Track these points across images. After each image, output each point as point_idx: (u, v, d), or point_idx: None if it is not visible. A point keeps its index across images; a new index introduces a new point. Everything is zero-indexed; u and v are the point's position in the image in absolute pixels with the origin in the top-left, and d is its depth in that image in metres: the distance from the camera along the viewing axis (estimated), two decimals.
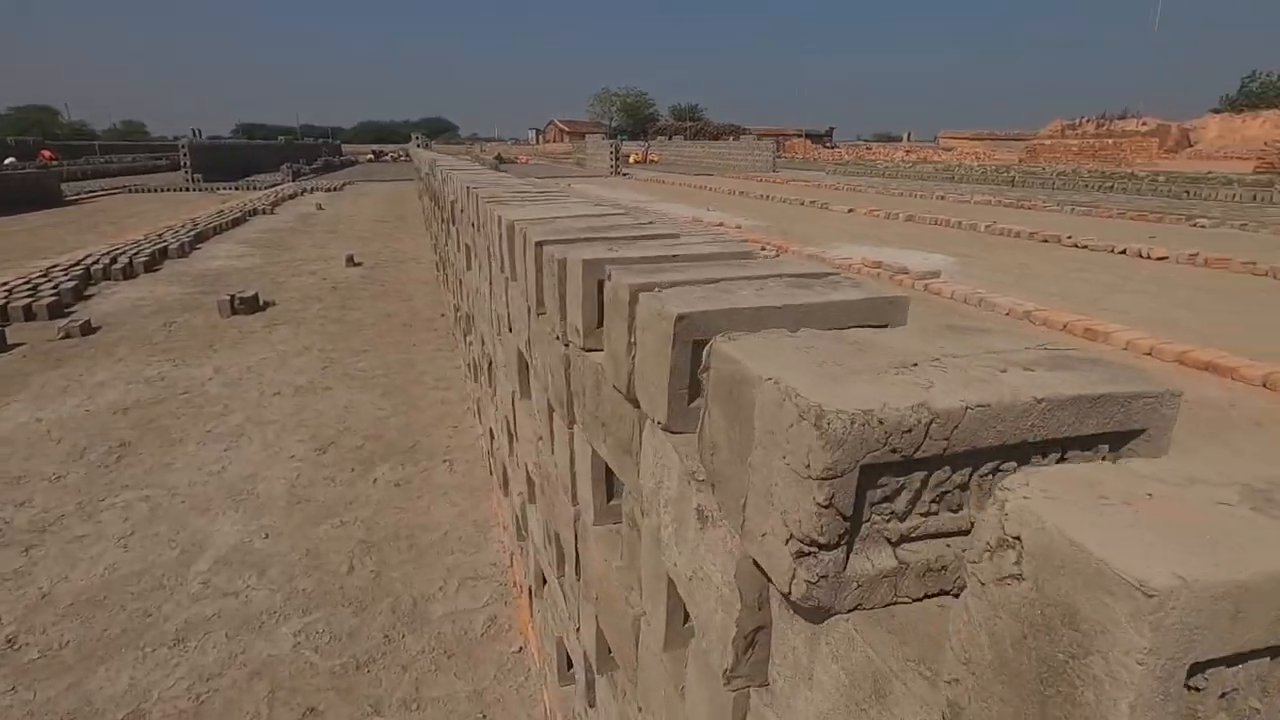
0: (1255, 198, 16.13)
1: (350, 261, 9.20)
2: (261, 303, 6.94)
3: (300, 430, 4.06)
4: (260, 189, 22.46)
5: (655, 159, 42.64)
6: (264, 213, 15.62)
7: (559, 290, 1.27)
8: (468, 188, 3.35)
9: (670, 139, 46.90)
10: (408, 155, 49.48)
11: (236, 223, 13.57)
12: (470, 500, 3.31)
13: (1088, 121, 42.54)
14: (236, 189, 22.84)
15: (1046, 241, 10.84)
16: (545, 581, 1.96)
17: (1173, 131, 36.49)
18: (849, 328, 0.80)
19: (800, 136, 54.39)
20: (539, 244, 1.44)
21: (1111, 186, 20.56)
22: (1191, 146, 34.80)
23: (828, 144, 60.72)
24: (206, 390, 4.70)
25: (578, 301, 1.18)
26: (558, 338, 1.33)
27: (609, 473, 1.27)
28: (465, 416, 4.27)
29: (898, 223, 13.57)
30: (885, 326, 0.86)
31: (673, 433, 0.87)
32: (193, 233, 11.25)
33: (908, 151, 40.08)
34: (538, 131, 79.51)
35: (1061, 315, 6.09)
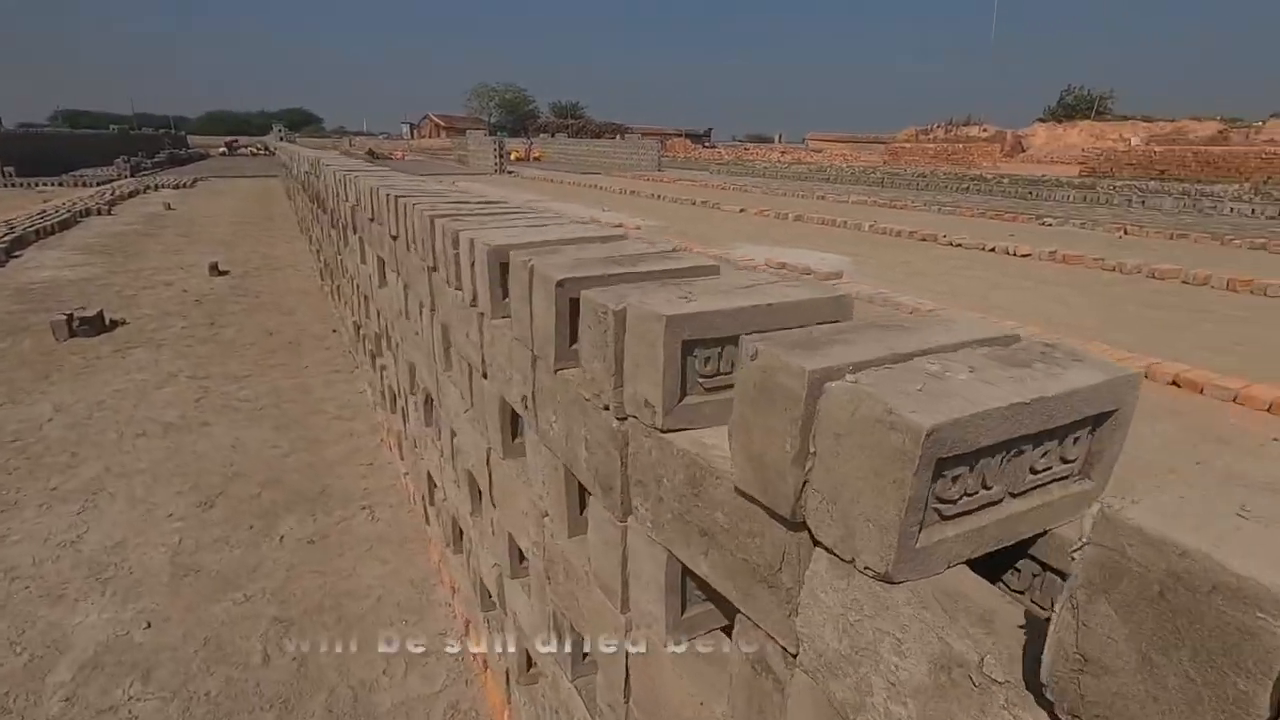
0: (1085, 199, 18.09)
1: (215, 270, 8.15)
2: (108, 322, 5.92)
3: (177, 480, 3.41)
4: (92, 185, 19.73)
5: (539, 157, 41.88)
6: (100, 213, 13.66)
7: (613, 350, 0.97)
8: (384, 192, 2.90)
9: (553, 136, 46.26)
10: (267, 149, 45.59)
11: (66, 225, 11.74)
12: (401, 554, 2.87)
13: (937, 127, 46.36)
14: (61, 185, 19.94)
15: (925, 240, 11.51)
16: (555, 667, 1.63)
17: (1008, 138, 40.52)
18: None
19: (681, 136, 55.42)
20: (561, 283, 1.12)
21: (966, 188, 22.40)
22: (1024, 151, 38.79)
23: (706, 144, 62.36)
24: (46, 435, 3.87)
25: (654, 371, 0.89)
26: (604, 407, 1.03)
27: (684, 580, 0.99)
28: (379, 450, 3.77)
29: (788, 222, 13.98)
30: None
31: (893, 583, 0.61)
32: (9, 237, 9.56)
33: (783, 153, 41.87)
34: (412, 126, 75.95)
35: (961, 312, 6.39)
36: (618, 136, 45.84)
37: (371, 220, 3.40)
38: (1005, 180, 23.61)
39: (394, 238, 2.80)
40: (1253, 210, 15.10)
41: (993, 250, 10.51)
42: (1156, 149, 22.16)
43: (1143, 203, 16.96)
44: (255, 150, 44.97)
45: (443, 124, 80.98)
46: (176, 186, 20.31)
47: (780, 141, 71.70)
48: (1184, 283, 8.40)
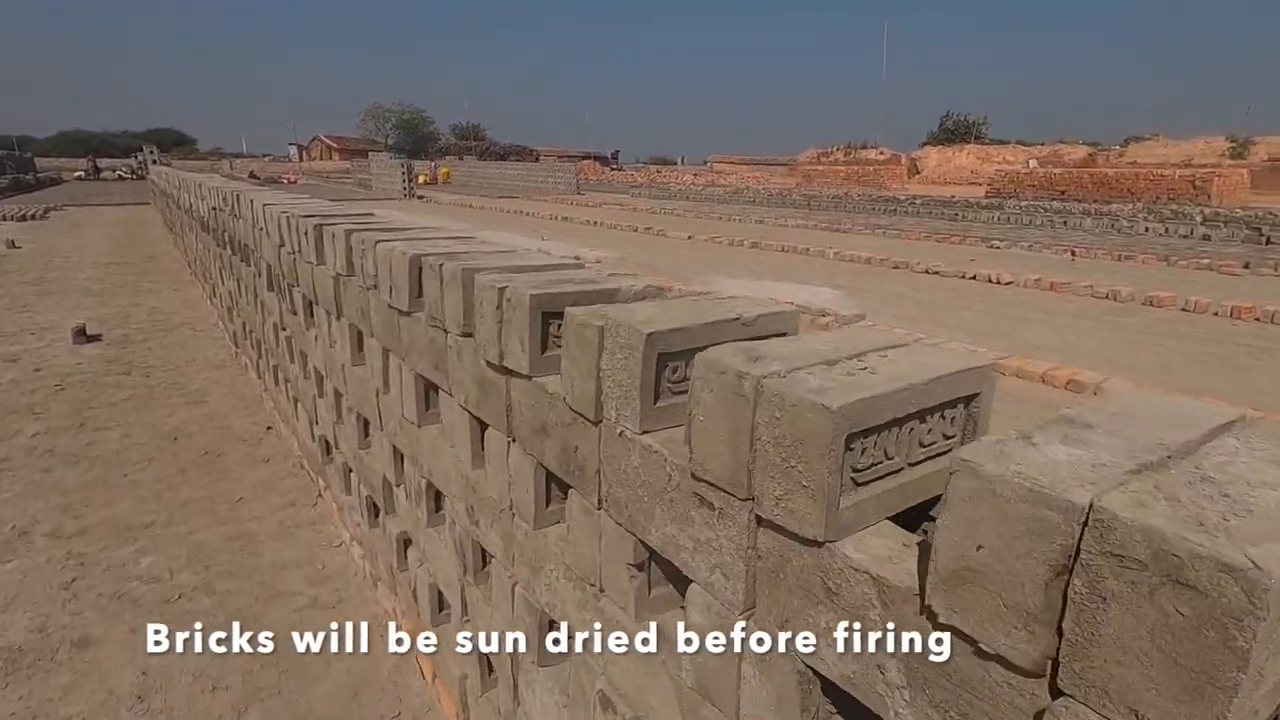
0: (1012, 219, 18.47)
1: (82, 334, 6.14)
2: None
3: None
4: None
5: (444, 174, 39.60)
6: None
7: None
8: (388, 245, 1.53)
9: (461, 159, 44.08)
10: (135, 173, 40.49)
11: None
12: None
13: (837, 150, 47.92)
14: None
15: (898, 268, 10.91)
16: None
17: (903, 160, 42.32)
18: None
19: (589, 159, 54.52)
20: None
21: (893, 210, 22.62)
22: (919, 173, 40.57)
23: (614, 166, 61.82)
24: None
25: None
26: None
27: None
28: (423, 691, 2.28)
29: (745, 249, 13.12)
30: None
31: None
32: None
33: (695, 175, 41.73)
34: (301, 148, 70.82)
35: (1027, 363, 5.54)
36: (535, 159, 44.32)
37: (373, 288, 2.00)
38: (918, 201, 24.12)
39: (404, 313, 1.43)
40: (1165, 229, 15.75)
41: (973, 278, 10.01)
42: (1056, 171, 23.31)
43: (1065, 223, 17.44)
44: (124, 174, 39.86)
45: (335, 145, 76.18)
46: (23, 218, 17.01)
47: (684, 164, 72.36)
48: (1183, 310, 8.09)
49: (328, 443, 3.12)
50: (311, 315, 2.99)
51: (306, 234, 2.70)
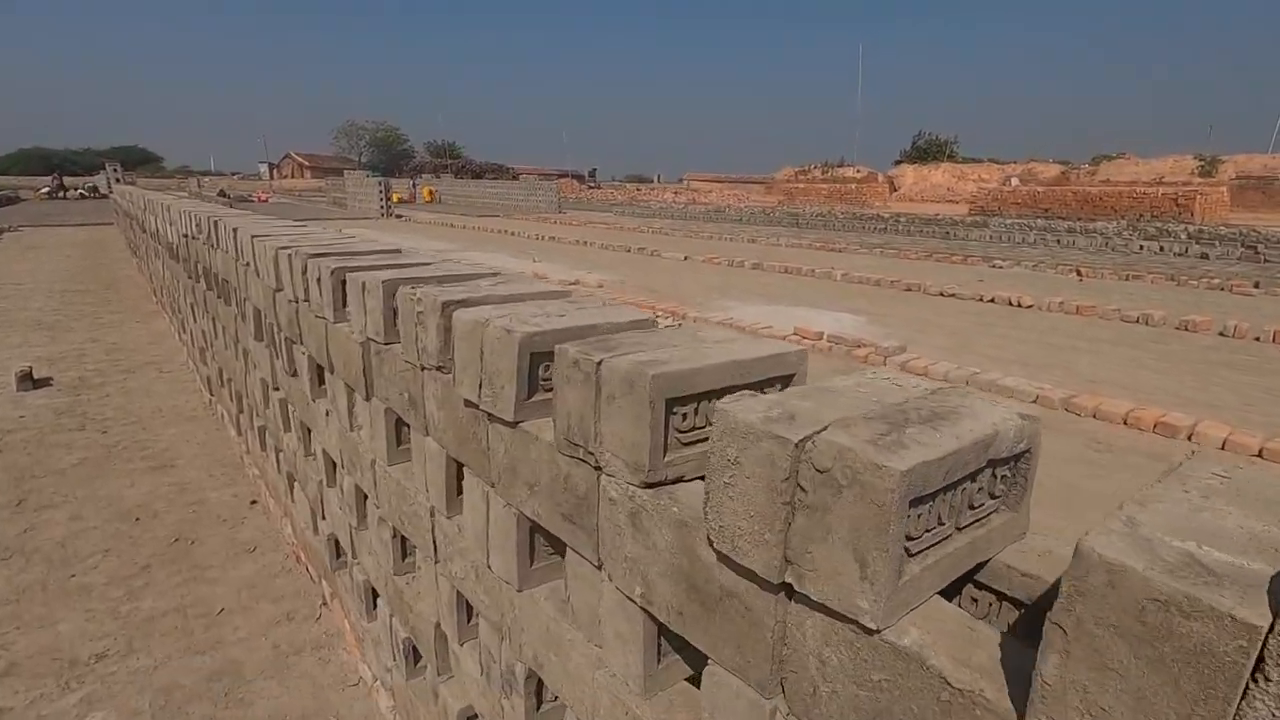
0: (1003, 238, 18.28)
1: (28, 380, 5.29)
2: None
3: None
4: None
5: (427, 196, 38.71)
6: None
7: None
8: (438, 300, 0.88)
9: (438, 176, 43.23)
10: (97, 190, 38.80)
11: None
12: None
13: (815, 167, 48.12)
14: None
15: (910, 290, 10.46)
16: None
17: (880, 178, 42.57)
18: None
19: (566, 177, 54.03)
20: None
21: (884, 228, 22.41)
22: (896, 191, 40.80)
23: (591, 184, 61.43)
24: None
25: None
26: None
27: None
28: None
29: (747, 271, 12.58)
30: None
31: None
32: None
33: (675, 193, 41.45)
34: (272, 166, 69.23)
35: (1104, 402, 5.01)
36: (512, 177, 43.68)
37: (435, 369, 1.32)
38: (903, 219, 23.98)
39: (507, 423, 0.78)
40: (1160, 248, 15.64)
41: (992, 300, 9.58)
42: (1039, 189, 23.35)
43: (1058, 241, 17.29)
44: (84, 193, 38.20)
45: (307, 163, 74.66)
46: None
47: (659, 181, 72.30)
48: (1221, 335, 7.70)
49: (338, 545, 2.40)
50: (321, 383, 2.29)
51: (319, 280, 2.02)
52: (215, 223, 3.62)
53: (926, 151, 55.25)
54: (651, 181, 76.31)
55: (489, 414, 1.25)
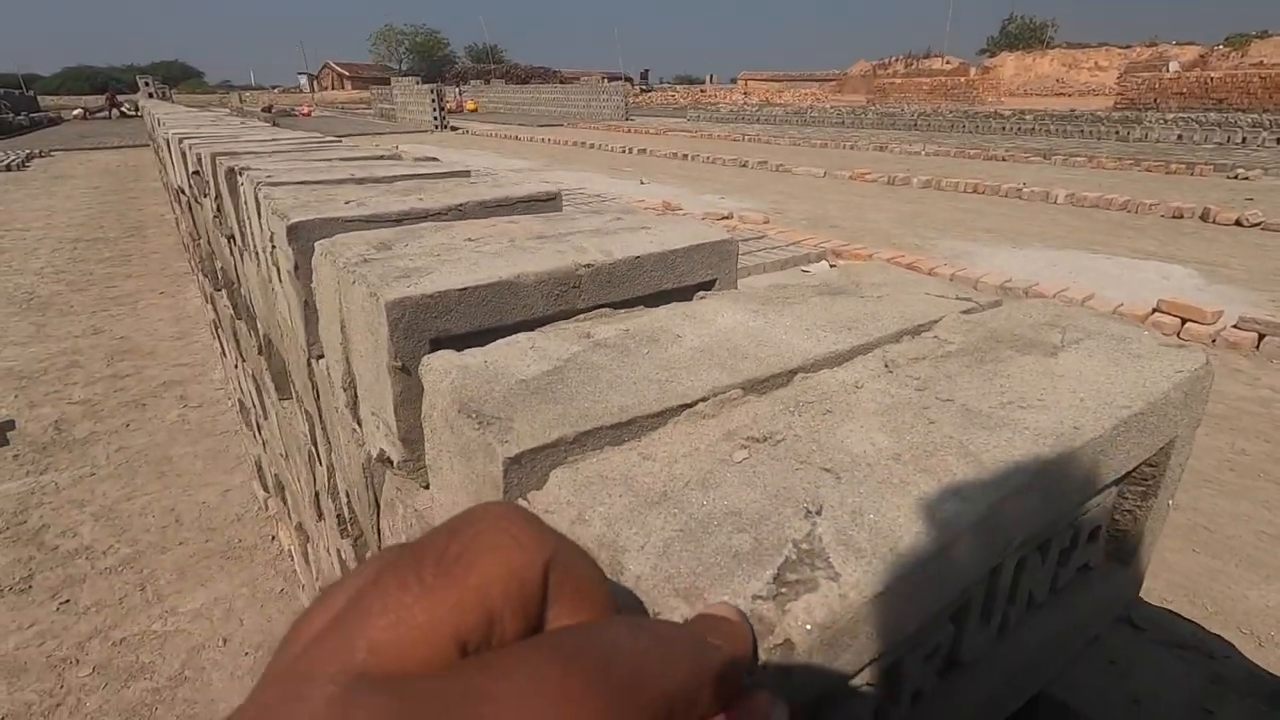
0: (1190, 138, 14.50)
1: None
2: None
3: None
4: None
5: (472, 108, 35.17)
6: None
7: None
8: None
9: (487, 82, 39.38)
10: (139, 110, 36.30)
11: None
12: None
13: (896, 60, 42.40)
14: None
15: (1179, 218, 7.42)
16: None
17: (971, 71, 37.00)
18: None
19: (621, 80, 49.26)
20: None
21: (1003, 129, 18.57)
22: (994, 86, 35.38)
23: (644, 87, 56.30)
24: None
25: None
26: None
27: None
28: None
29: (918, 191, 9.57)
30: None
31: None
32: None
33: (745, 94, 36.87)
34: (312, 78, 65.34)
35: None
36: (562, 81, 39.58)
37: None
38: (1029, 117, 19.93)
39: None
40: None
41: None
42: (1213, 75, 18.84)
43: (1242, 140, 13.55)
44: (124, 111, 35.75)
45: (346, 73, 70.43)
46: None
47: (712, 83, 66.20)
48: None
49: None
50: None
51: None
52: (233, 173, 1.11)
53: (1018, 38, 48.28)
54: (703, 83, 69.95)
55: None
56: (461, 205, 0.99)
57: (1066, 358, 0.42)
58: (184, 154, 2.26)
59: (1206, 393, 0.43)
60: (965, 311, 0.50)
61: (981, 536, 0.30)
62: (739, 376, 0.40)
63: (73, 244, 7.20)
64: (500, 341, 0.46)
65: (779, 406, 0.38)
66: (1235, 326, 4.16)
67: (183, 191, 2.77)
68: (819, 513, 0.29)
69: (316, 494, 1.30)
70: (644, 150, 14.89)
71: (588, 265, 0.63)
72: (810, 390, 0.40)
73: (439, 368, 0.42)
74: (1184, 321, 4.25)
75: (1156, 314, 4.33)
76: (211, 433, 3.29)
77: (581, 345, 0.45)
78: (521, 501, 0.32)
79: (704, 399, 0.37)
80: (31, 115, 29.15)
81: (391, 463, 0.69)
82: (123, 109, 36.29)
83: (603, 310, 0.54)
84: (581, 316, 0.52)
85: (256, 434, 2.53)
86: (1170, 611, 0.49)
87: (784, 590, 0.25)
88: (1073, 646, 0.46)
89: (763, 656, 0.24)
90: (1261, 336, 4.05)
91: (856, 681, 0.30)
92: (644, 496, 0.30)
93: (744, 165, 12.30)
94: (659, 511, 0.29)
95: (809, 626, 0.24)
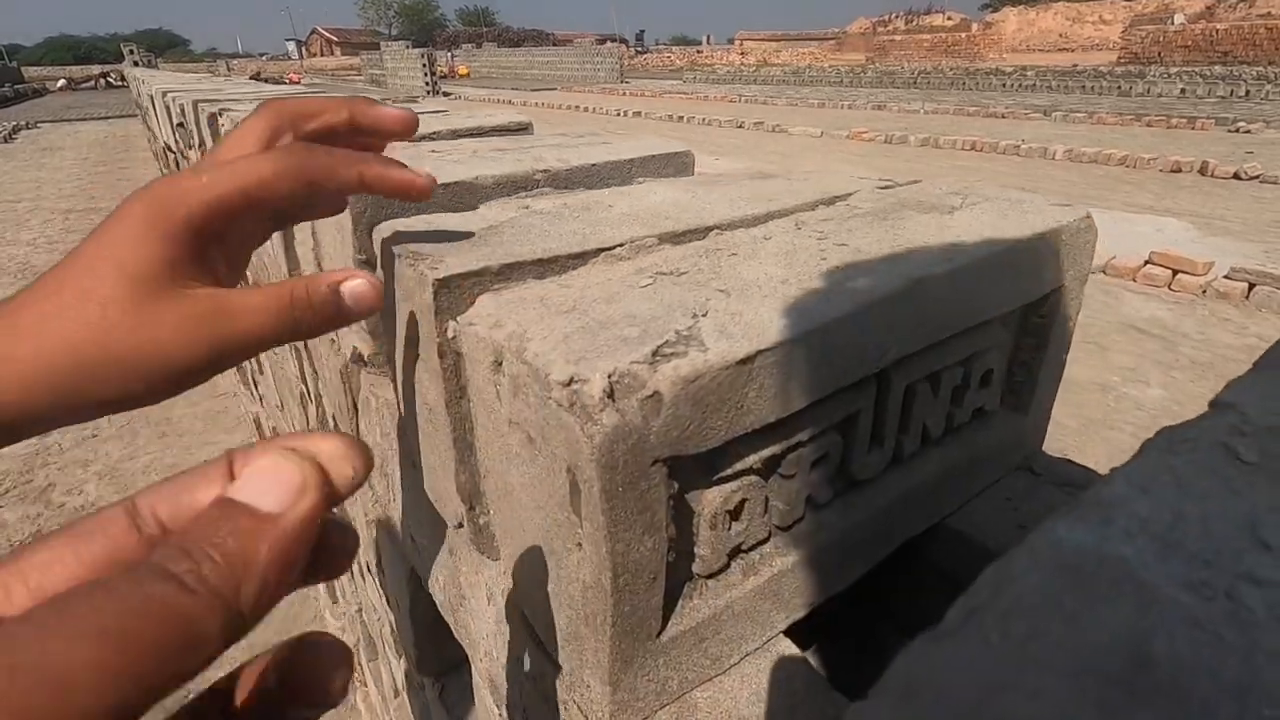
0: (1192, 92, 14.27)
1: None
2: None
3: None
4: None
5: (464, 72, 34.54)
6: None
7: None
8: None
9: (480, 47, 38.58)
10: (124, 80, 35.66)
11: None
12: None
13: (896, 17, 41.45)
14: None
15: (1206, 175, 7.36)
16: None
17: (974, 27, 36.20)
18: None
19: (616, 41, 48.23)
20: None
21: (1004, 85, 18.27)
22: (996, 41, 34.64)
23: (639, 48, 55.21)
24: None
25: None
26: None
27: None
28: None
29: (915, 149, 9.49)
30: None
31: None
32: None
33: (741, 54, 36.13)
34: (300, 44, 64.00)
35: None
36: (555, 44, 38.76)
37: None
38: (1030, 73, 19.59)
39: None
40: None
41: None
42: (1218, 26, 18.45)
43: (1246, 93, 13.35)
44: (109, 82, 35.13)
45: (334, 39, 68.91)
46: None
47: (709, 43, 64.83)
48: None
49: None
50: None
51: None
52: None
53: None
54: (700, 44, 68.48)
55: None
56: (434, 132, 1.02)
57: (961, 215, 0.46)
58: (168, 108, 2.27)
59: (1090, 247, 0.47)
60: (882, 187, 0.54)
61: (849, 334, 0.34)
62: (658, 230, 0.44)
63: (64, 214, 7.17)
64: (445, 212, 0.50)
65: (691, 252, 0.42)
66: (1226, 277, 4.18)
67: (169, 149, 2.78)
68: (705, 315, 0.33)
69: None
70: (638, 113, 14.69)
71: (544, 170, 0.66)
72: (723, 242, 0.44)
73: (395, 250, 0.46)
74: (1175, 273, 4.27)
75: (1148, 265, 4.35)
76: (211, 394, 3.35)
77: (519, 212, 0.49)
78: (450, 321, 0.37)
79: (622, 244, 0.42)
80: (16, 87, 28.65)
81: (364, 359, 0.73)
82: (109, 78, 35.67)
83: (545, 190, 0.57)
84: (523, 194, 0.56)
85: (254, 391, 2.58)
86: (1069, 461, 0.54)
87: (658, 359, 0.30)
88: (972, 485, 0.51)
89: (635, 408, 0.28)
90: (1251, 286, 4.08)
91: (741, 466, 0.35)
92: (555, 308, 0.35)
93: (740, 126, 12.15)
94: (566, 317, 0.34)
95: (674, 381, 0.28)
